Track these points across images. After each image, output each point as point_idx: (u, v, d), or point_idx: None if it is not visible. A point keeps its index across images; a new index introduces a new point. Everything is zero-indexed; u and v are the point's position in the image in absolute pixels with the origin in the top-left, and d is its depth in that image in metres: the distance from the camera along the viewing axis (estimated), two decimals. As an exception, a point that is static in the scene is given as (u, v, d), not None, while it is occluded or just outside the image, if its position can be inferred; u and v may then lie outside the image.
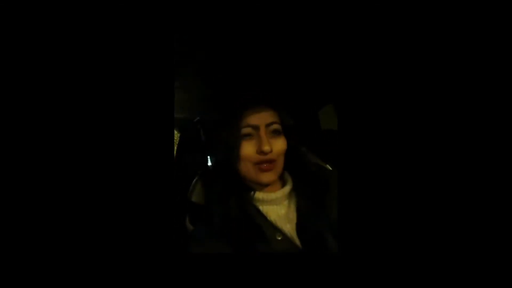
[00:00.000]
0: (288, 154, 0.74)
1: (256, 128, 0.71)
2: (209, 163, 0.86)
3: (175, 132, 1.40)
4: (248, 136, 0.71)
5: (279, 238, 0.68)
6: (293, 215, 0.72)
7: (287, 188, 0.75)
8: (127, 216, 0.51)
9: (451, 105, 0.48)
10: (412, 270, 0.46)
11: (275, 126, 0.72)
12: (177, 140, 1.20)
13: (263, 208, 0.72)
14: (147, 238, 0.52)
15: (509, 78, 0.45)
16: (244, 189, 0.73)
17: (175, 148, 1.18)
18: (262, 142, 0.69)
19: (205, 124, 0.80)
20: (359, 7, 0.52)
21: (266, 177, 0.70)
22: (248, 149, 0.70)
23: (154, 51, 0.53)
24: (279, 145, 0.72)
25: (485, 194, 0.45)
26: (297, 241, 0.68)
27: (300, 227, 0.70)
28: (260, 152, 0.69)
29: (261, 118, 0.72)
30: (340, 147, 0.54)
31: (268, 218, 0.71)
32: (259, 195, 0.73)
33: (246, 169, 0.71)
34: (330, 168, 0.92)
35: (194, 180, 0.86)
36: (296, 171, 0.77)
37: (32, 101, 0.48)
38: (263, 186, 0.73)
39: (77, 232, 0.50)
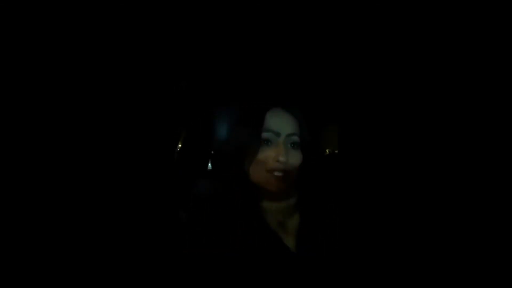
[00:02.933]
0: (300, 168, 0.73)
1: (277, 135, 0.71)
2: (214, 163, 0.85)
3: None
4: (267, 141, 0.70)
5: (279, 249, 0.68)
6: (295, 228, 0.72)
7: (293, 200, 0.75)
8: (124, 215, 0.51)
9: (450, 112, 0.49)
10: (411, 272, 0.46)
11: (295, 138, 0.72)
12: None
13: (266, 217, 0.72)
14: (145, 238, 0.52)
15: (508, 81, 0.46)
16: (249, 195, 0.72)
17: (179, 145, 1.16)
18: (280, 151, 0.69)
19: (219, 121, 0.79)
20: (367, 20, 0.54)
21: (276, 185, 0.70)
22: (265, 154, 0.70)
23: (162, 51, 0.54)
24: (295, 158, 0.71)
25: (483, 197, 0.46)
26: (295, 254, 0.69)
27: (300, 240, 0.70)
28: (277, 161, 0.69)
29: (284, 126, 0.71)
30: (340, 150, 0.55)
31: (270, 227, 0.71)
32: (263, 203, 0.73)
33: (258, 174, 0.70)
34: (336, 187, 0.92)
35: (198, 179, 0.85)
36: (304, 185, 0.77)
37: (38, 102, 0.50)
38: (270, 194, 0.72)
39: (74, 231, 0.49)
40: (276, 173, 0.69)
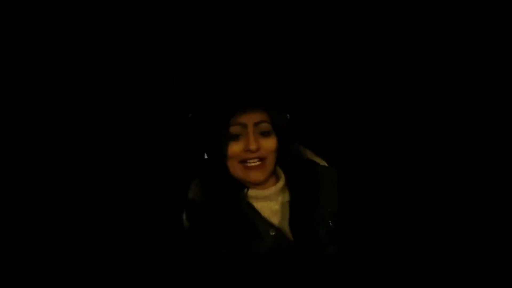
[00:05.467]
0: (281, 150, 0.75)
1: (244, 126, 0.71)
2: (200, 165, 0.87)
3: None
4: (236, 135, 0.72)
5: (273, 234, 0.70)
6: (286, 211, 0.74)
7: (280, 184, 0.77)
8: (122, 215, 0.52)
9: (446, 103, 0.48)
10: (411, 270, 0.47)
11: (264, 125, 0.73)
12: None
13: (257, 205, 0.74)
14: (143, 237, 0.52)
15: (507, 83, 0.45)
16: (238, 186, 0.75)
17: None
18: (249, 140, 0.70)
19: (197, 122, 0.80)
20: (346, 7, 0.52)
21: (254, 175, 0.72)
22: (235, 147, 0.71)
23: (154, 52, 0.53)
24: (268, 144, 0.73)
25: (483, 196, 0.46)
26: (290, 236, 0.70)
27: (293, 222, 0.72)
28: (247, 150, 0.70)
29: (250, 117, 0.72)
30: (340, 149, 0.54)
31: (262, 214, 0.73)
32: (252, 192, 0.75)
33: (235, 168, 0.72)
34: (324, 163, 0.93)
35: (191, 177, 0.86)
36: (289, 167, 0.79)
37: (39, 100, 0.50)
38: (253, 184, 0.74)
39: (72, 231, 0.49)
40: (250, 163, 0.71)
